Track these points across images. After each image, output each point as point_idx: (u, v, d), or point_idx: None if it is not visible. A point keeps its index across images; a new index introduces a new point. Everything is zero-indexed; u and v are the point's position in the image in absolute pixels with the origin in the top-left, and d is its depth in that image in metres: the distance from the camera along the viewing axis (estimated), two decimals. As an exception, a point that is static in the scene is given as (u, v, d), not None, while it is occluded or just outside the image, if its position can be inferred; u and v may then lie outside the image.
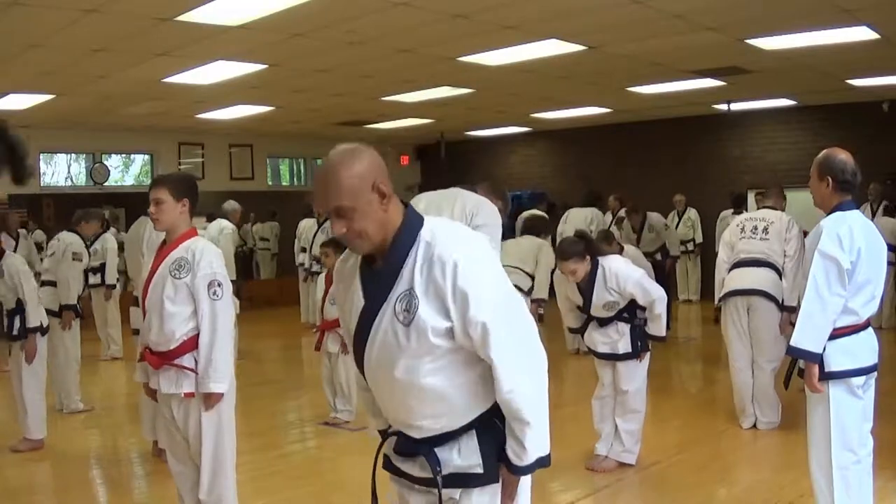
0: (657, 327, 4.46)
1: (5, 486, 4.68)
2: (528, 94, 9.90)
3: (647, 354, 4.56)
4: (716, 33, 6.67)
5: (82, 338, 6.42)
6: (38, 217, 11.27)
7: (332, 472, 4.92)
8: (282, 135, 13.17)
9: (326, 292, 5.58)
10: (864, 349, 3.13)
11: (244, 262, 9.15)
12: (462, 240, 1.87)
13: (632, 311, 4.47)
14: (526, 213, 10.76)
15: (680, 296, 11.84)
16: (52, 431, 5.40)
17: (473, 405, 1.90)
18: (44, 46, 6.39)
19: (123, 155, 12.86)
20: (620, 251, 7.53)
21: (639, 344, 4.49)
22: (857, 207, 3.24)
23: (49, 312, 5.64)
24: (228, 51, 6.88)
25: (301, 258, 10.49)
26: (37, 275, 6.35)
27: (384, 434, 2.10)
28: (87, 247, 7.05)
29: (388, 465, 2.08)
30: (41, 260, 6.10)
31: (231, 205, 9.63)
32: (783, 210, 5.53)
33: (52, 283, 6.14)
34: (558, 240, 8.90)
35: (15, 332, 5.16)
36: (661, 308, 4.38)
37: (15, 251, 7.58)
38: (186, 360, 3.25)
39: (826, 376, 3.09)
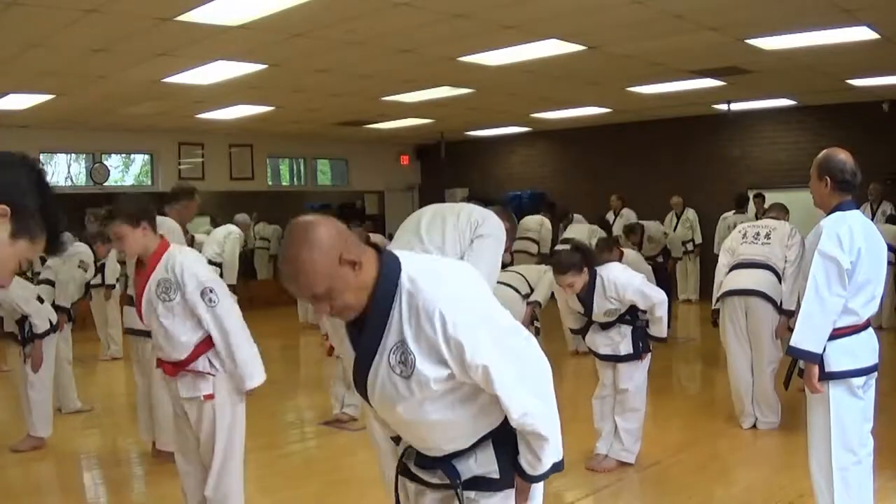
0: (659, 329, 4.49)
1: (6, 485, 4.68)
2: (528, 94, 9.90)
3: (648, 355, 4.57)
4: (716, 33, 6.67)
5: (82, 338, 6.42)
6: (39, 217, 11.25)
7: (332, 472, 4.92)
8: (282, 135, 13.17)
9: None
10: (864, 349, 3.13)
11: (246, 263, 9.21)
12: (442, 281, 1.80)
13: (633, 314, 4.47)
14: (527, 219, 10.83)
15: (680, 295, 11.85)
16: (52, 431, 5.39)
17: (486, 425, 1.90)
18: (44, 46, 6.39)
19: (123, 155, 12.86)
20: (620, 257, 7.55)
21: (640, 345, 4.50)
22: (858, 207, 3.24)
23: None
24: (228, 51, 6.88)
25: None
26: (35, 274, 6.36)
27: (397, 440, 2.09)
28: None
29: (405, 471, 2.08)
30: (42, 261, 6.09)
31: (243, 218, 10.03)
32: (786, 221, 5.63)
33: (51, 283, 6.14)
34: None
35: (25, 335, 5.18)
36: (662, 311, 4.40)
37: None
38: (201, 363, 3.29)
39: (826, 376, 3.09)
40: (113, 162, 12.63)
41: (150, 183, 12.94)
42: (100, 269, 8.21)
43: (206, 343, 3.28)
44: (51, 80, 7.80)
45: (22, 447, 5.20)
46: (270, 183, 14.51)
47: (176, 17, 5.68)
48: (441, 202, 4.28)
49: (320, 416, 5.95)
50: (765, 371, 5.23)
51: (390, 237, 4.26)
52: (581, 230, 9.21)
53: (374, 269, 1.79)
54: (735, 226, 6.57)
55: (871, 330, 3.19)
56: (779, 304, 5.14)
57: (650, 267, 8.00)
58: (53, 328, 5.34)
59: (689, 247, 11.89)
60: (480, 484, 1.92)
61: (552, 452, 1.88)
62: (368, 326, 1.80)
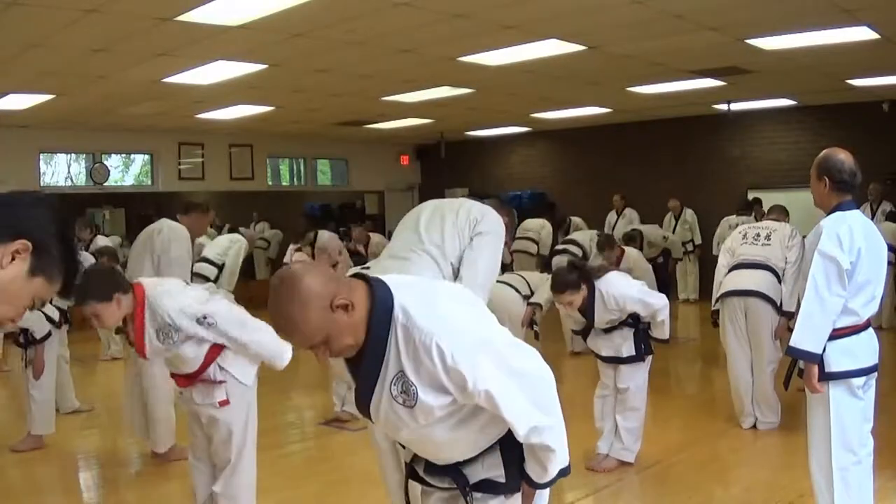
0: (661, 332, 4.51)
1: (6, 485, 4.68)
2: (528, 94, 9.90)
3: (650, 356, 4.57)
4: (716, 33, 6.67)
5: (82, 338, 6.42)
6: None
7: (332, 472, 4.92)
8: (282, 135, 13.17)
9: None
10: (864, 350, 3.12)
11: (245, 263, 9.26)
12: (436, 311, 1.79)
13: (635, 316, 4.47)
14: (529, 221, 10.86)
15: (680, 295, 11.86)
16: (53, 430, 5.39)
17: (493, 435, 1.91)
18: (44, 46, 6.39)
19: (123, 155, 12.85)
20: (621, 255, 7.57)
21: (642, 347, 4.50)
22: (858, 207, 3.24)
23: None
24: (228, 51, 6.88)
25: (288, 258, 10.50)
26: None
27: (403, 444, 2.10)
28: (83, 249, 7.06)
29: (413, 475, 2.08)
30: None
31: (250, 233, 10.50)
32: (786, 223, 5.63)
33: None
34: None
35: (27, 339, 5.20)
36: (663, 315, 4.42)
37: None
38: (211, 371, 3.32)
39: (826, 377, 3.08)
40: (113, 162, 12.62)
41: (150, 183, 12.94)
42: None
43: (214, 351, 3.32)
44: (51, 80, 7.80)
45: (22, 447, 5.20)
46: (270, 183, 14.51)
47: (176, 17, 5.68)
48: (441, 200, 4.26)
49: (320, 416, 5.95)
50: (765, 371, 5.23)
51: (390, 236, 4.24)
52: (583, 236, 9.23)
53: (367, 303, 1.78)
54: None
55: (871, 330, 3.19)
56: (778, 304, 5.14)
57: (650, 266, 8.02)
58: (56, 325, 5.33)
59: (689, 247, 11.90)
60: (487, 486, 1.93)
61: (559, 461, 1.89)
62: (366, 360, 1.80)
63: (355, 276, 1.87)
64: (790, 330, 3.18)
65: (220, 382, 3.33)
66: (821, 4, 5.88)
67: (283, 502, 4.29)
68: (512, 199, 13.92)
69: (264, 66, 7.57)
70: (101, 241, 8.67)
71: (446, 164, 14.45)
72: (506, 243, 3.60)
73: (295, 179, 15.37)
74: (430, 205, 3.63)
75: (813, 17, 6.22)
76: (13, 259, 1.33)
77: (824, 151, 3.25)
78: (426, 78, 8.54)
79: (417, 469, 2.05)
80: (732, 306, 5.27)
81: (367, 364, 1.80)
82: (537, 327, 6.36)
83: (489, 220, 3.46)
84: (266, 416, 6.08)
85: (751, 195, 11.00)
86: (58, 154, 12.10)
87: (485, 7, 5.82)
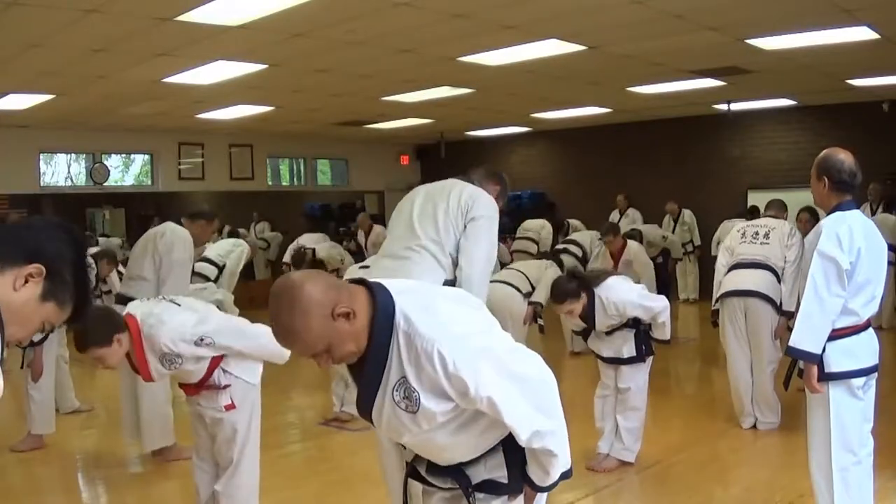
0: (662, 333, 4.51)
1: (6, 485, 4.68)
2: (528, 94, 9.90)
3: (651, 357, 4.57)
4: (716, 33, 6.67)
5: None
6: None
7: (332, 472, 4.92)
8: (282, 135, 13.17)
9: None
10: (864, 350, 3.12)
11: (246, 265, 9.28)
12: (437, 317, 1.78)
13: (636, 318, 4.47)
14: (529, 221, 10.87)
15: (680, 295, 11.86)
16: (54, 430, 5.39)
17: (495, 437, 1.91)
18: (44, 46, 6.39)
19: (123, 155, 12.85)
20: (624, 245, 7.61)
21: (643, 348, 4.50)
22: (858, 207, 3.23)
23: None
24: (228, 51, 6.88)
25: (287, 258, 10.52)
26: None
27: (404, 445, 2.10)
28: None
29: (414, 474, 2.08)
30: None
31: (252, 240, 10.44)
32: (785, 220, 5.59)
33: None
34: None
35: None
36: (664, 317, 4.43)
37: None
38: (216, 376, 3.34)
39: (826, 377, 3.08)
40: (113, 162, 12.62)
41: (150, 183, 12.94)
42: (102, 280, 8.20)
43: (217, 359, 3.32)
44: (51, 80, 7.79)
45: (22, 447, 5.20)
46: (270, 183, 14.51)
47: (176, 17, 5.68)
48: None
49: (320, 416, 5.95)
50: (764, 371, 5.22)
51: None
52: (583, 236, 9.24)
53: (368, 310, 1.77)
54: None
55: (871, 330, 3.18)
56: (778, 304, 5.13)
57: (651, 262, 8.03)
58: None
59: (689, 248, 11.90)
60: (490, 487, 1.93)
61: (561, 465, 1.89)
62: (368, 366, 1.80)
63: (355, 281, 1.86)
64: (790, 329, 3.18)
65: (226, 387, 3.35)
66: (821, 4, 5.88)
67: (283, 502, 4.29)
68: (512, 199, 13.92)
69: (264, 66, 7.57)
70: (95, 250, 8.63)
71: (446, 164, 14.42)
72: (500, 209, 3.56)
73: (295, 179, 15.37)
74: (421, 193, 3.56)
75: (813, 17, 6.22)
76: (26, 282, 1.35)
77: (824, 151, 3.24)
78: (426, 78, 8.54)
79: (419, 469, 2.05)
80: (732, 306, 5.27)
81: (369, 370, 1.80)
82: (541, 320, 6.35)
83: (480, 204, 3.41)
84: (266, 416, 6.07)
85: (751, 195, 11.01)
86: (58, 154, 12.09)
87: (485, 7, 5.82)
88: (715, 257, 5.78)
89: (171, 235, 5.05)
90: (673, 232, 11.73)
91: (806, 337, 3.05)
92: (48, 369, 5.29)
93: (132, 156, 12.97)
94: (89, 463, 5.15)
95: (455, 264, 3.35)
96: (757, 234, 5.33)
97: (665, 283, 9.62)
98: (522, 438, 1.81)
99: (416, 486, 2.10)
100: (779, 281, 5.16)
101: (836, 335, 3.06)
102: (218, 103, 9.80)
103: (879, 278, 3.14)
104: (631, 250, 7.67)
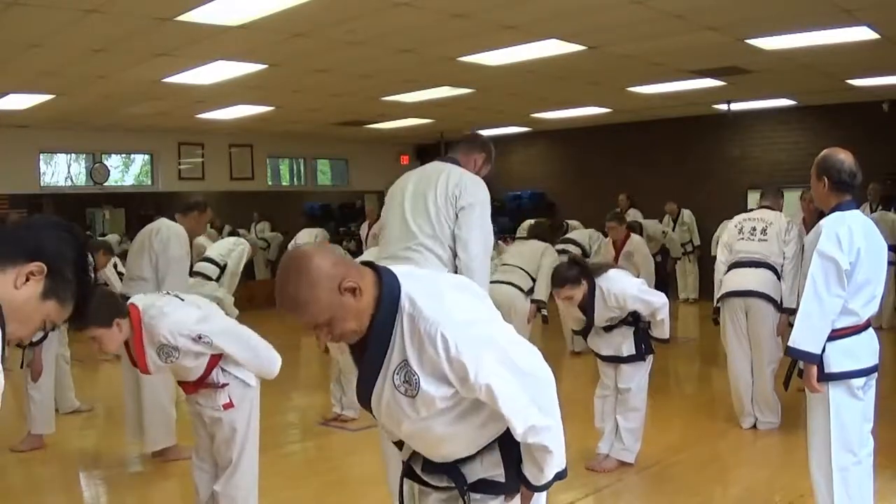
0: (661, 331, 4.50)
1: (6, 485, 4.68)
2: (528, 94, 9.90)
3: (651, 356, 4.57)
4: (716, 33, 6.67)
5: (83, 337, 6.40)
6: (39, 217, 11.27)
7: (332, 472, 4.92)
8: (282, 135, 13.17)
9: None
10: (864, 350, 3.12)
11: (246, 265, 9.29)
12: (443, 302, 1.79)
13: (635, 315, 4.47)
14: (528, 222, 10.84)
15: (680, 295, 11.86)
16: (54, 429, 5.40)
17: (492, 432, 1.91)
18: (44, 46, 6.39)
19: (123, 155, 12.86)
20: (627, 236, 7.63)
21: (643, 346, 4.50)
22: (858, 207, 3.23)
23: None
24: (228, 51, 6.88)
25: None
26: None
27: (399, 444, 2.09)
28: None
29: (410, 474, 2.08)
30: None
31: (252, 239, 10.60)
32: (781, 210, 5.51)
33: None
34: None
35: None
36: (663, 314, 4.42)
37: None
38: (215, 375, 3.34)
39: (826, 377, 3.08)
40: (113, 162, 12.62)
41: (150, 183, 12.94)
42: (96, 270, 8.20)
43: (215, 357, 3.33)
44: (51, 80, 7.80)
45: (22, 447, 5.20)
46: (270, 183, 14.51)
47: (176, 17, 5.68)
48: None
49: (320, 416, 5.95)
50: (765, 371, 5.22)
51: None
52: (581, 235, 9.23)
53: (374, 291, 1.78)
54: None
55: (871, 330, 3.18)
56: (779, 302, 5.13)
57: (651, 257, 8.03)
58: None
59: (689, 248, 11.90)
60: (486, 486, 1.92)
61: (556, 463, 1.88)
62: (371, 347, 1.81)
63: (363, 263, 1.87)
64: (791, 325, 3.18)
65: (224, 386, 3.35)
66: (821, 4, 5.88)
67: (283, 502, 4.29)
68: (512, 199, 13.93)
69: (264, 66, 7.57)
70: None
71: (446, 164, 14.43)
72: (490, 173, 3.56)
73: (295, 179, 15.37)
74: (411, 183, 3.51)
75: (813, 17, 6.22)
76: (27, 280, 1.36)
77: (824, 151, 3.24)
78: (426, 78, 8.54)
79: (415, 467, 2.04)
80: (733, 306, 5.26)
81: (371, 351, 1.81)
82: (545, 311, 6.31)
83: (469, 191, 3.38)
84: (266, 416, 6.07)
85: (751, 195, 10.97)
86: (58, 154, 12.10)
87: (485, 7, 5.82)
88: (715, 257, 5.75)
89: (167, 231, 5.06)
90: (673, 231, 11.73)
91: (806, 337, 3.05)
92: (48, 369, 5.29)
93: (132, 156, 12.97)
94: (89, 463, 5.15)
95: (454, 254, 3.34)
96: (754, 229, 5.29)
97: (664, 283, 9.61)
98: (518, 432, 1.81)
99: (410, 486, 2.10)
100: (779, 278, 5.15)
101: (836, 335, 3.06)
102: (218, 103, 9.80)
103: (879, 278, 3.14)
104: (633, 242, 7.69)
